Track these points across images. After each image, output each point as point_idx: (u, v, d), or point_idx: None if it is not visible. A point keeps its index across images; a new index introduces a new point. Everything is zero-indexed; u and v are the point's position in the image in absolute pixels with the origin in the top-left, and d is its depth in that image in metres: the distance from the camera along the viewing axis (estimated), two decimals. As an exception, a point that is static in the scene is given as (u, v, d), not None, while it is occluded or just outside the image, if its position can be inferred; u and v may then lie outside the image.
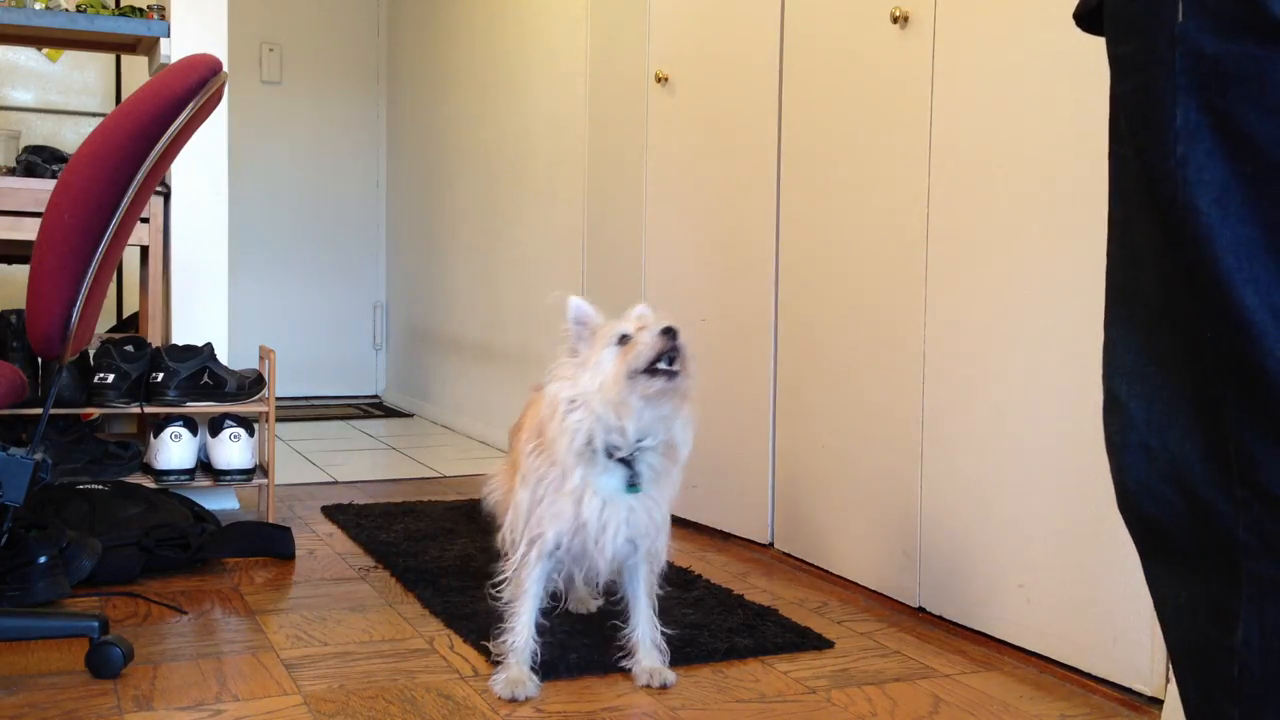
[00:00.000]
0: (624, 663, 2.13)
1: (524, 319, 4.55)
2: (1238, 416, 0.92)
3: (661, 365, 1.89)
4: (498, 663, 2.08)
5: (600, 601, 2.43)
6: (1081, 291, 2.12)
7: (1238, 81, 0.90)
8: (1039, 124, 2.19)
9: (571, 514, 2.00)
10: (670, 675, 2.10)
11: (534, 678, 2.03)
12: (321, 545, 3.06)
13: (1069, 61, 2.11)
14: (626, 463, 1.99)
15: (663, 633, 2.16)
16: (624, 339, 1.93)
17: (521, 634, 2.07)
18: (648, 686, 2.08)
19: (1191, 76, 0.91)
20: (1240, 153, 0.91)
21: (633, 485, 2.00)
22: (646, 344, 1.89)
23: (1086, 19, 1.05)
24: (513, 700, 2.00)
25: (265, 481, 3.22)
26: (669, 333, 1.89)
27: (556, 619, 2.40)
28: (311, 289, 6.08)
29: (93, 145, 1.99)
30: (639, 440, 1.96)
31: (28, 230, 3.09)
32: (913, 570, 2.51)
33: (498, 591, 2.14)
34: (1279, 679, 0.89)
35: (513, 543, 2.09)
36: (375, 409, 5.89)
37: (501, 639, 2.09)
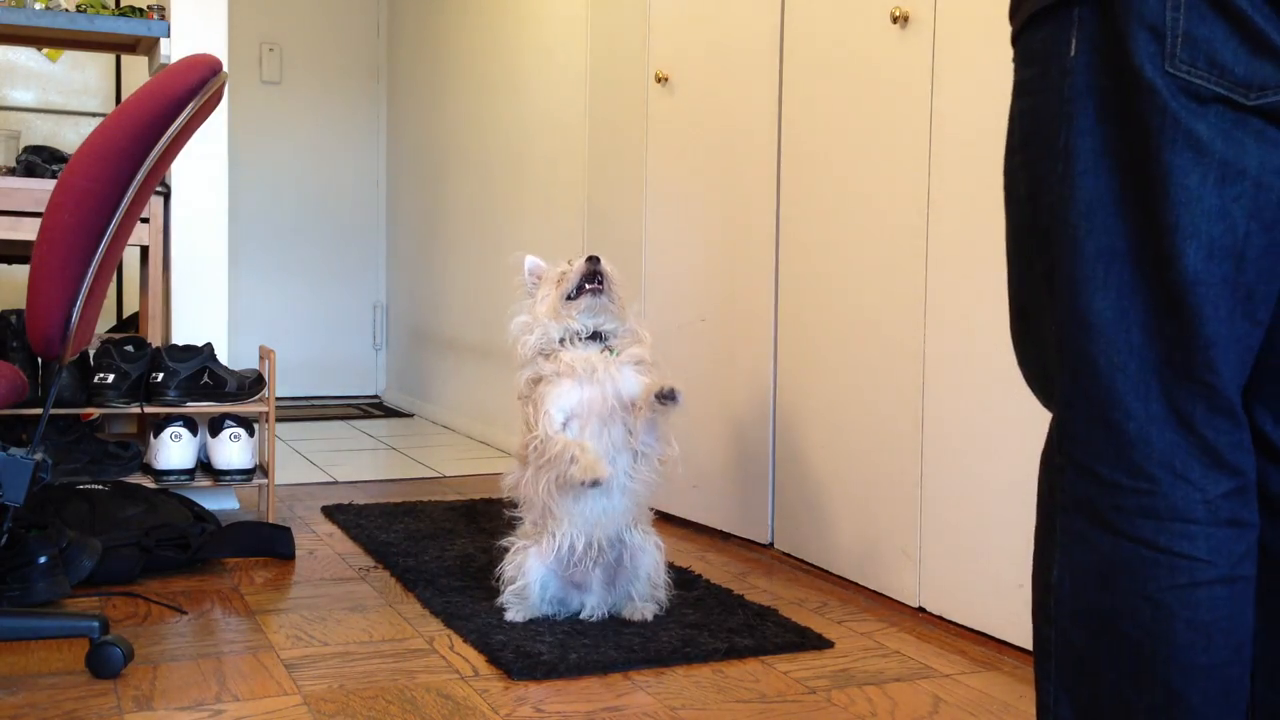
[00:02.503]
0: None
1: (524, 319, 4.55)
2: (1065, 398, 1.11)
3: (588, 285, 2.39)
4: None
5: (607, 606, 2.44)
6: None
7: (1114, 111, 1.05)
8: (1039, 124, 2.19)
9: (570, 387, 2.35)
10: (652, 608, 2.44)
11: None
12: (321, 545, 3.06)
13: (1069, 61, 2.10)
14: (597, 338, 2.42)
15: (662, 632, 2.16)
16: (562, 275, 2.43)
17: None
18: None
19: (1076, 104, 1.07)
20: (1112, 173, 1.06)
21: (609, 349, 2.41)
22: (575, 271, 2.41)
23: None
24: (595, 483, 2.28)
25: (265, 481, 3.22)
26: (591, 260, 2.40)
27: (556, 620, 2.40)
28: (311, 289, 6.08)
29: (93, 145, 1.99)
30: (594, 325, 2.42)
31: (28, 230, 3.09)
32: (913, 570, 2.51)
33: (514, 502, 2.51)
34: (1082, 609, 1.10)
35: (530, 451, 2.39)
36: (375, 409, 5.89)
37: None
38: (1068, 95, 1.08)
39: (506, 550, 2.46)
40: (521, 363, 2.45)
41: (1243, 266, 1.05)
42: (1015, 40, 1.15)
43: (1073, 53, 1.07)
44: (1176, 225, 1.04)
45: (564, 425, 2.36)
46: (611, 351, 2.41)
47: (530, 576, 2.39)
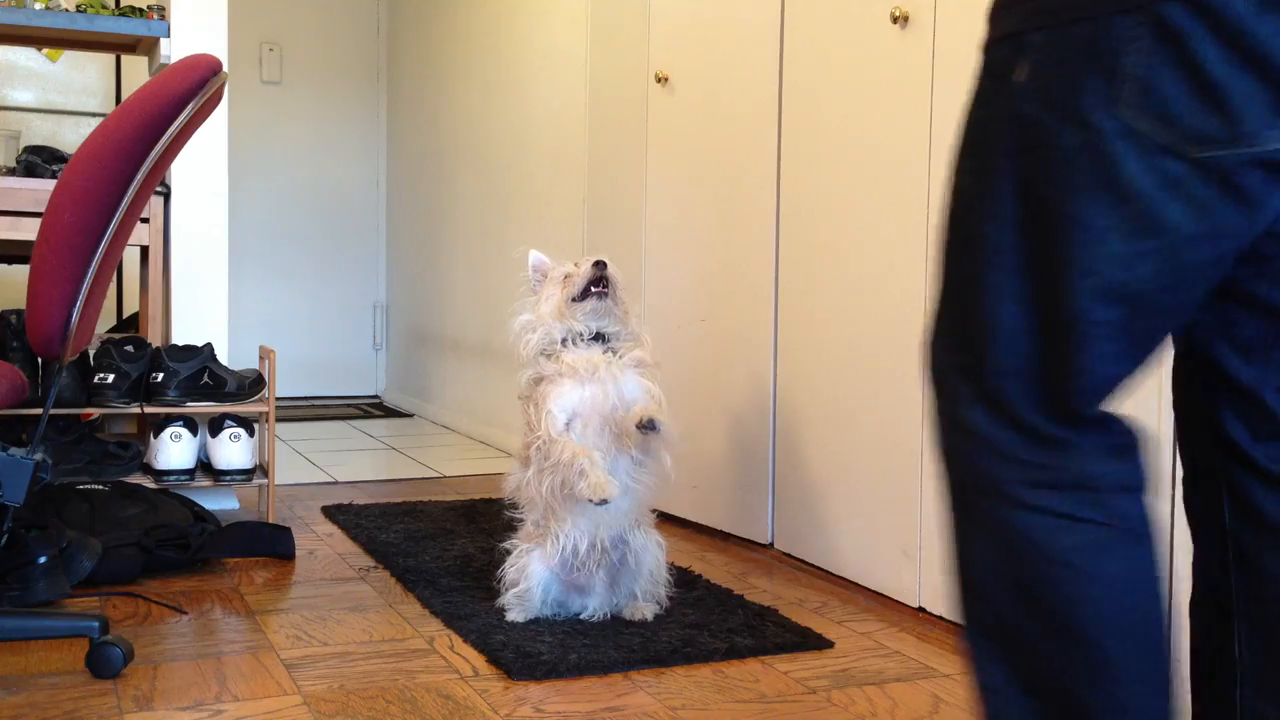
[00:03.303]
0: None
1: (524, 319, 4.55)
2: (965, 391, 1.18)
3: (594, 288, 2.39)
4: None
5: (609, 607, 2.44)
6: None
7: (1043, 141, 1.06)
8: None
9: (571, 387, 2.36)
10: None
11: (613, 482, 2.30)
12: (321, 545, 3.06)
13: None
14: (600, 340, 2.42)
15: (662, 632, 2.16)
16: (567, 276, 2.43)
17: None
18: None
19: (1009, 126, 1.09)
20: (1025, 198, 1.09)
21: (610, 350, 2.41)
22: (581, 275, 2.41)
23: None
24: (603, 503, 2.27)
25: (265, 481, 3.22)
26: (598, 264, 2.40)
27: (557, 620, 2.40)
28: (311, 289, 6.07)
29: (93, 145, 1.99)
30: (597, 327, 2.42)
31: (28, 230, 3.09)
32: (913, 570, 2.51)
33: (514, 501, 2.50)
34: (1003, 582, 1.17)
35: (533, 452, 2.40)
36: (375, 409, 5.89)
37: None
38: (1003, 116, 1.09)
39: (508, 552, 2.46)
40: (523, 362, 2.45)
41: (1137, 314, 1.08)
42: (984, 49, 1.16)
43: (1018, 77, 1.07)
44: (1073, 261, 1.06)
45: (567, 426, 2.36)
46: (614, 353, 2.41)
47: (533, 580, 2.39)
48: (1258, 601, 1.19)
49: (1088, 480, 1.14)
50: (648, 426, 2.31)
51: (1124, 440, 1.16)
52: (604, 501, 2.26)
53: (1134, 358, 1.13)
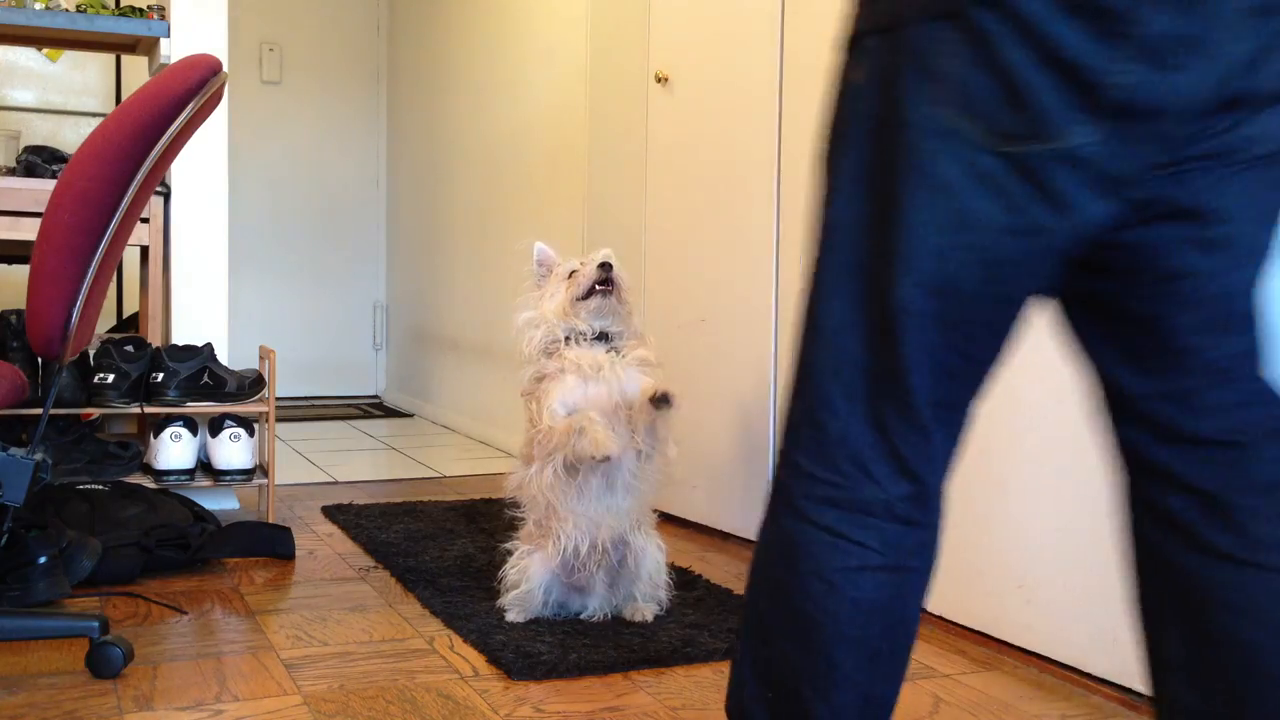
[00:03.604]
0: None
1: (524, 319, 4.55)
2: (790, 391, 1.24)
3: (599, 288, 2.39)
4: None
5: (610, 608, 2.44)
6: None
7: (879, 140, 1.12)
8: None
9: (575, 383, 2.36)
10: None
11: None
12: (321, 545, 3.06)
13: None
14: (603, 339, 2.42)
15: (662, 632, 2.16)
16: (572, 273, 2.42)
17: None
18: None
19: (853, 126, 1.16)
20: (864, 195, 1.14)
21: (613, 349, 2.40)
22: (586, 274, 2.40)
23: None
24: (605, 459, 2.28)
25: (265, 481, 3.22)
26: (604, 266, 2.39)
27: (557, 620, 2.40)
28: (311, 289, 6.07)
29: (93, 145, 1.99)
30: (600, 327, 2.41)
31: (28, 230, 3.09)
32: (913, 570, 2.51)
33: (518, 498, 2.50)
34: (768, 580, 1.26)
35: (535, 447, 2.40)
36: (375, 409, 5.89)
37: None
38: (849, 117, 1.16)
39: (509, 553, 2.46)
40: (526, 359, 2.45)
41: (954, 305, 1.13)
42: (836, 52, 1.22)
43: (861, 79, 1.14)
44: (899, 254, 1.12)
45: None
46: (617, 352, 2.41)
47: (534, 581, 2.39)
48: (1185, 602, 1.22)
49: (869, 506, 1.19)
50: (661, 400, 2.30)
51: (924, 475, 1.20)
52: (606, 458, 2.26)
53: (961, 354, 1.17)
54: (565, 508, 2.36)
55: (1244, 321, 1.16)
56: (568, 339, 2.40)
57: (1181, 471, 1.20)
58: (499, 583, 2.46)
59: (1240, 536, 1.17)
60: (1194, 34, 1.03)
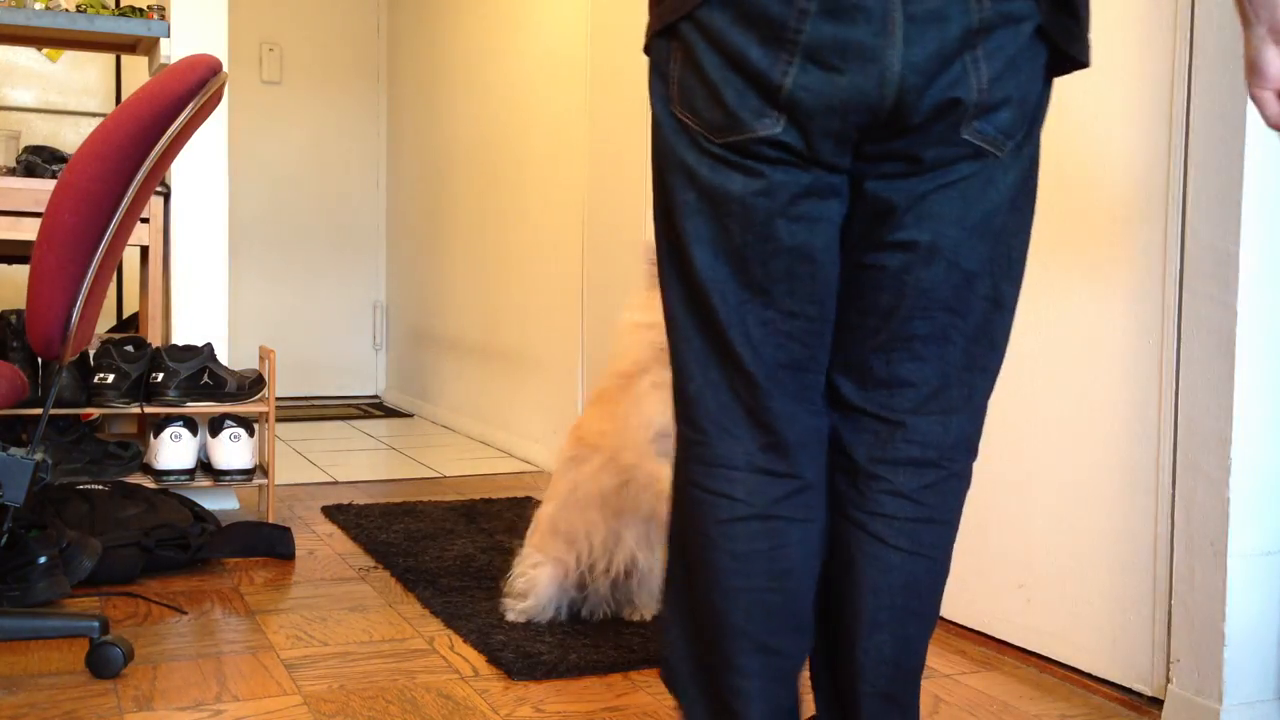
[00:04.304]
0: None
1: (523, 319, 4.55)
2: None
3: None
4: None
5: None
6: (1076, 291, 2.12)
7: (652, 138, 1.32)
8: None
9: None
10: None
11: None
12: (321, 545, 3.06)
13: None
14: None
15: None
16: None
17: None
18: None
19: (654, 123, 1.31)
20: (659, 185, 1.32)
21: None
22: None
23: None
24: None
25: (265, 481, 3.22)
26: None
27: (557, 620, 2.40)
28: (311, 289, 6.07)
29: (93, 145, 1.99)
30: None
31: (28, 230, 3.09)
32: (913, 570, 2.50)
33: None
34: (672, 538, 1.40)
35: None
36: (375, 409, 5.89)
37: None
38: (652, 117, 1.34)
39: (512, 554, 2.41)
40: (630, 361, 2.24)
41: (746, 268, 1.27)
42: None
43: (649, 84, 1.32)
44: (685, 230, 1.29)
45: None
46: None
47: (542, 598, 2.34)
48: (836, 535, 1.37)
49: (730, 460, 1.32)
50: None
51: (778, 429, 1.31)
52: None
53: (776, 311, 1.29)
54: (623, 531, 2.25)
55: (924, 319, 1.29)
56: None
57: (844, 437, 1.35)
58: (504, 586, 2.44)
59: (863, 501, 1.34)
60: (855, 40, 1.16)
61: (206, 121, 2.23)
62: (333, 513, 3.38)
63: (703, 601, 1.36)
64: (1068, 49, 1.24)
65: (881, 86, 1.17)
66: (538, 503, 2.50)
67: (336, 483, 3.95)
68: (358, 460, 4.46)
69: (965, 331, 1.31)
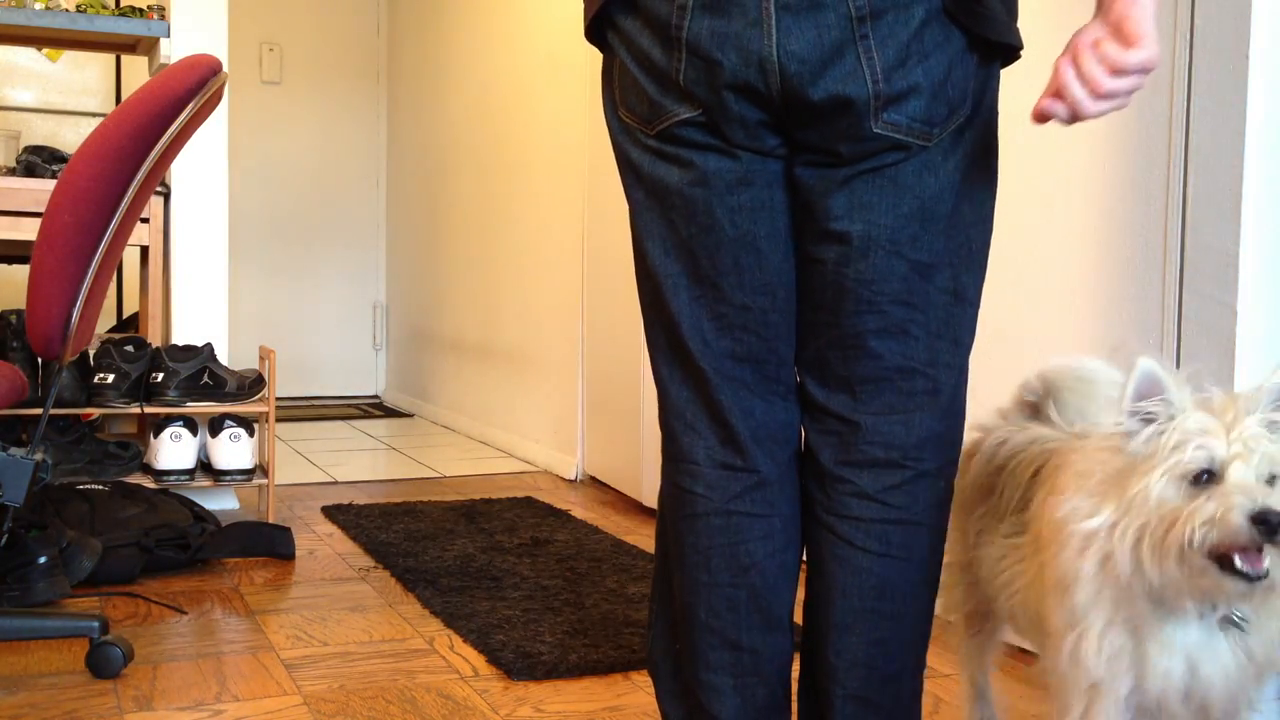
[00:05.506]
0: None
1: (523, 319, 4.55)
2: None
3: (1242, 567, 1.19)
4: None
5: None
6: (1076, 292, 2.12)
7: (612, 142, 1.38)
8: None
9: (1137, 660, 1.32)
10: None
11: None
12: (321, 545, 3.06)
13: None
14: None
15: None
16: (1204, 477, 1.21)
17: None
18: None
19: (623, 134, 1.36)
20: (627, 194, 1.37)
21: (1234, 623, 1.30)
22: (1233, 524, 1.17)
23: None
24: None
25: (265, 481, 3.22)
26: (1267, 520, 1.16)
27: (557, 620, 2.40)
28: (311, 289, 6.07)
29: (93, 145, 1.99)
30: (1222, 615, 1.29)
31: (28, 230, 3.09)
32: (913, 570, 2.50)
33: None
34: (658, 533, 1.45)
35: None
36: (375, 409, 5.89)
37: None
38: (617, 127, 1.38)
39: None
40: (1078, 576, 1.31)
41: (696, 262, 1.31)
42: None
43: (601, 91, 1.38)
44: (638, 228, 1.35)
45: None
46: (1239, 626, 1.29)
47: None
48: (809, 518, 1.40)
49: (694, 455, 1.35)
50: None
51: (734, 424, 1.33)
52: None
53: (726, 304, 1.30)
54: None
55: (873, 313, 1.28)
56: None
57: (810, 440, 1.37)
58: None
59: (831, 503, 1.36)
60: (732, 32, 1.19)
61: (206, 121, 2.23)
62: (333, 513, 3.38)
63: (676, 597, 1.38)
64: (980, 32, 1.20)
65: (764, 76, 1.20)
66: (538, 502, 2.49)
67: (336, 483, 3.96)
68: (358, 460, 4.46)
69: (926, 326, 1.28)
